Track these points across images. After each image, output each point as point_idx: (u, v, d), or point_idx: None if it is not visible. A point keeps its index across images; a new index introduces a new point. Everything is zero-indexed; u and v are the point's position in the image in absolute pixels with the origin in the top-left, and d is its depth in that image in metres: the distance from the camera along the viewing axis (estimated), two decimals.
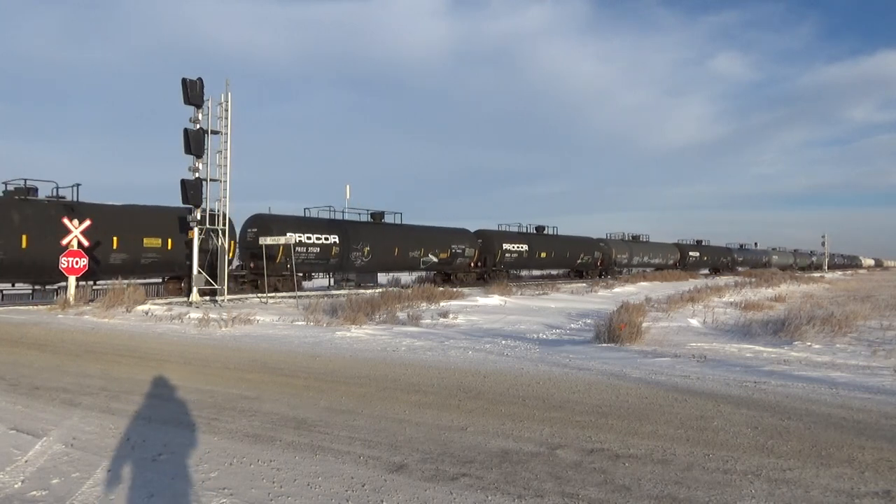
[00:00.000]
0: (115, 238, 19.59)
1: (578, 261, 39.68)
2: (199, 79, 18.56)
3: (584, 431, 5.35)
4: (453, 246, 30.39)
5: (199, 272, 19.12)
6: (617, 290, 27.85)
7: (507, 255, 33.50)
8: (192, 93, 18.43)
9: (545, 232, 37.94)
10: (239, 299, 20.50)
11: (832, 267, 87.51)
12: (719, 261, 58.16)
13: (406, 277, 31.73)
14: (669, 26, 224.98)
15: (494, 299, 20.67)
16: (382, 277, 29.85)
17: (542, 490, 4.01)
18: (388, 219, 28.51)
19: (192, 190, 18.64)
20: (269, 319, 14.63)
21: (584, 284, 32.00)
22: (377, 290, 22.40)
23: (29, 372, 8.15)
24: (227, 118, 19.36)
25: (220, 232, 19.77)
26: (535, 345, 10.93)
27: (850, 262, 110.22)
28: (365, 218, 27.65)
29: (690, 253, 53.48)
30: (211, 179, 19.27)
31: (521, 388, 7.16)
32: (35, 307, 17.46)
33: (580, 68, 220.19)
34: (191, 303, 18.54)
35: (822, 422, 5.63)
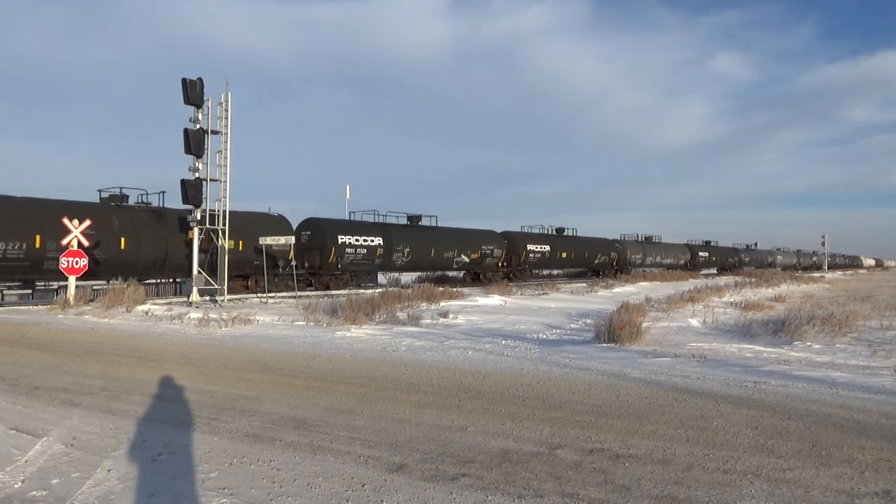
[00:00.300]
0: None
1: (596, 261, 41.53)
2: (199, 79, 18.57)
3: (584, 431, 5.35)
4: (483, 247, 32.53)
5: (200, 272, 19.13)
6: (617, 290, 27.85)
7: (531, 255, 35.62)
8: (192, 93, 18.44)
9: (565, 233, 40.19)
10: (239, 299, 20.52)
11: (834, 267, 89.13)
12: (727, 261, 59.57)
13: (406, 278, 32.67)
14: (669, 26, 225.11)
15: (494, 299, 20.67)
16: (381, 277, 30.66)
17: (542, 490, 4.01)
18: (424, 222, 30.53)
19: (192, 190, 18.65)
20: (269, 319, 14.63)
21: (584, 284, 32.09)
22: (377, 290, 22.42)
23: (29, 372, 8.15)
24: (227, 118, 19.36)
25: (220, 232, 19.78)
26: (535, 345, 10.93)
27: (852, 263, 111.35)
28: (403, 221, 29.73)
29: (700, 253, 55.29)
30: (211, 179, 19.28)
31: (521, 388, 7.16)
32: (35, 307, 17.47)
33: (580, 68, 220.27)
34: (191, 303, 18.54)
35: (822, 422, 5.63)
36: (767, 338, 11.71)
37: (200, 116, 18.74)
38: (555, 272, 41.88)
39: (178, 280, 22.72)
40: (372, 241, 26.49)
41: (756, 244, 72.63)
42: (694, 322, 14.76)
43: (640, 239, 48.35)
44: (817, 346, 10.64)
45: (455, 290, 24.11)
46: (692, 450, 4.82)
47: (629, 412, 6.02)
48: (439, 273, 33.40)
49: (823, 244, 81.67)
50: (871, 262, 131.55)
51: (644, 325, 11.92)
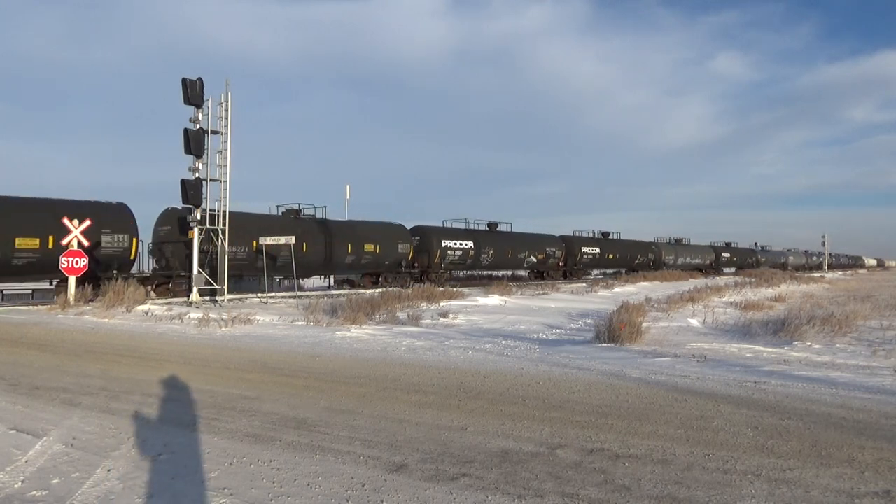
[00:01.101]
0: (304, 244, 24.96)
1: (636, 261, 46.70)
2: (199, 79, 18.58)
3: (584, 431, 5.35)
4: (547, 249, 37.99)
5: (200, 272, 19.13)
6: (617, 290, 27.86)
7: (584, 256, 41.26)
8: (192, 93, 18.44)
9: (610, 237, 45.72)
10: (239, 299, 20.52)
11: (837, 267, 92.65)
12: (745, 261, 64.44)
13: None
14: (669, 26, 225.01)
15: (494, 299, 20.68)
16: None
17: (542, 490, 4.01)
18: (501, 228, 36.12)
19: (192, 190, 18.66)
20: (269, 319, 14.64)
21: (585, 284, 32.22)
22: (377, 290, 22.47)
23: (29, 372, 8.15)
24: (227, 118, 19.37)
25: (220, 232, 19.78)
26: (535, 345, 10.93)
27: (855, 263, 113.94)
28: (483, 227, 35.21)
29: (723, 254, 61.73)
30: (211, 179, 19.29)
31: (521, 388, 7.16)
32: (35, 307, 17.47)
33: (580, 68, 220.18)
34: (191, 303, 18.54)
35: (822, 422, 5.63)
36: (767, 338, 11.71)
37: (200, 116, 18.75)
38: (606, 271, 46.64)
39: (338, 277, 29.47)
40: (465, 244, 32.44)
41: (756, 244, 74.83)
42: (694, 322, 14.77)
43: (671, 241, 54.32)
44: (817, 346, 10.64)
45: (455, 290, 24.14)
46: (692, 450, 4.82)
47: (629, 412, 6.02)
48: (509, 272, 38.44)
49: (823, 244, 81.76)
50: (874, 262, 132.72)
51: (644, 325, 11.92)
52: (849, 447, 4.86)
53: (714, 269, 56.22)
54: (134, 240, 20.65)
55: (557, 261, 38.65)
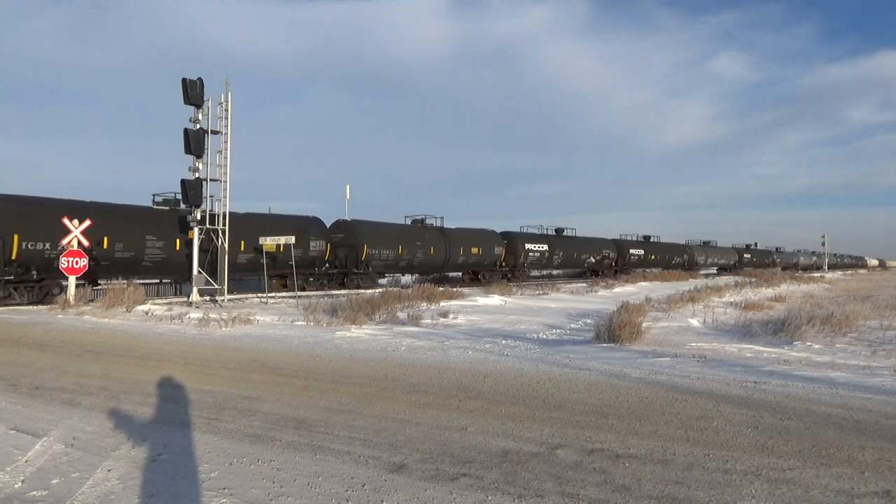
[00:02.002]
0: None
1: (673, 261, 52.59)
2: (199, 79, 18.57)
3: (584, 431, 5.35)
4: (602, 251, 43.66)
5: (200, 272, 19.13)
6: (617, 290, 27.86)
7: (632, 257, 47.32)
8: (192, 93, 18.43)
9: (651, 240, 51.80)
10: (239, 299, 20.52)
11: (842, 267, 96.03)
12: (763, 261, 69.36)
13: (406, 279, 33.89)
14: (670, 27, 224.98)
15: (494, 299, 20.68)
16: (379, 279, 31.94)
17: (542, 490, 4.01)
18: (567, 233, 41.87)
19: (192, 190, 18.65)
20: (270, 319, 14.63)
21: (585, 284, 32.26)
22: (377, 291, 22.46)
23: (29, 372, 8.15)
24: (227, 118, 19.36)
25: (220, 232, 19.78)
26: (535, 345, 10.93)
27: (858, 263, 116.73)
28: (551, 232, 40.88)
29: (744, 255, 67.61)
30: (211, 179, 19.28)
31: (521, 388, 7.16)
32: (35, 307, 17.47)
33: (581, 69, 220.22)
34: (191, 303, 18.54)
35: (822, 422, 5.63)
36: (767, 338, 11.71)
37: (200, 116, 18.74)
38: (650, 270, 50.19)
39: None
40: (542, 247, 37.99)
41: (756, 244, 75.54)
42: (694, 322, 14.76)
43: (700, 243, 60.56)
44: (817, 346, 10.64)
45: (455, 290, 24.13)
46: (692, 450, 4.82)
47: (629, 412, 6.02)
48: (572, 270, 43.95)
49: (823, 244, 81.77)
50: (875, 262, 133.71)
51: (644, 325, 11.91)
52: (849, 447, 4.86)
53: (736, 269, 60.52)
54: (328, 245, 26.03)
55: (611, 261, 44.42)
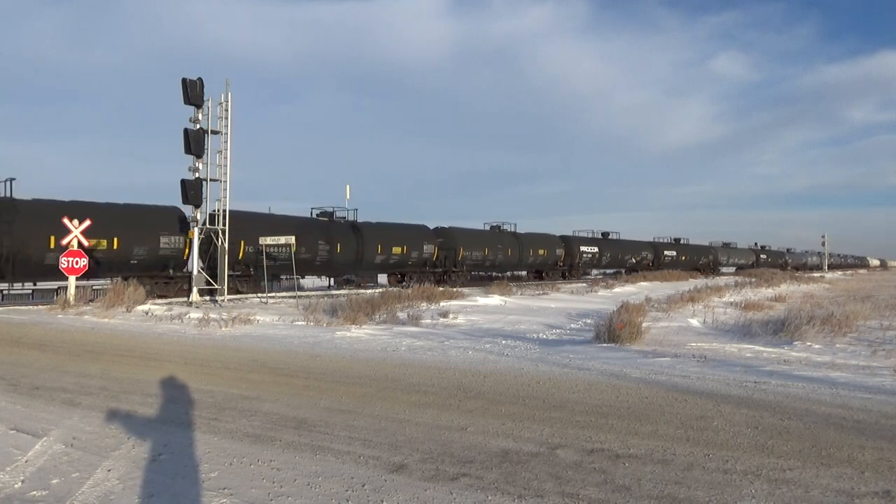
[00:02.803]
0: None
1: (700, 262, 56.81)
2: (199, 79, 18.58)
3: (584, 431, 5.35)
4: (642, 252, 49.60)
5: (200, 272, 19.13)
6: (617, 290, 27.86)
7: (666, 258, 51.85)
8: (192, 93, 18.44)
9: (681, 242, 56.60)
10: (239, 299, 20.53)
11: (845, 267, 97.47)
12: (777, 262, 72.35)
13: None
14: (670, 27, 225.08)
15: (494, 299, 20.68)
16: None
17: (542, 490, 4.01)
18: (612, 236, 46.99)
19: (192, 190, 18.65)
20: (270, 319, 14.63)
21: (585, 284, 32.35)
22: (377, 290, 22.47)
23: (29, 372, 8.15)
24: (227, 118, 19.36)
25: (220, 232, 19.78)
26: (535, 345, 10.93)
27: (861, 263, 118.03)
28: (598, 235, 45.90)
29: (761, 255, 71.68)
30: (211, 179, 19.28)
31: (521, 388, 7.16)
32: (35, 307, 17.47)
33: (581, 69, 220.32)
34: (191, 303, 18.54)
35: (822, 422, 5.63)
36: (767, 338, 11.71)
37: (200, 116, 18.75)
38: (677, 270, 53.91)
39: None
40: (593, 249, 42.86)
41: (731, 242, 76.22)
42: (694, 322, 14.76)
43: (721, 245, 65.17)
44: (817, 346, 10.64)
45: (455, 290, 24.13)
46: (692, 450, 4.82)
47: (629, 412, 6.02)
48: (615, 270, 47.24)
49: (823, 244, 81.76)
50: (877, 262, 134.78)
51: (644, 325, 11.91)
52: (849, 447, 4.86)
53: (755, 267, 64.00)
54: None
55: (648, 262, 49.74)
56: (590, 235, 45.13)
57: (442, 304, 18.83)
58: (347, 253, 26.23)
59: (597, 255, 43.24)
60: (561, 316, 16.47)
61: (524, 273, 39.84)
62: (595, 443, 5.01)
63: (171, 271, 22.73)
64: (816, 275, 56.73)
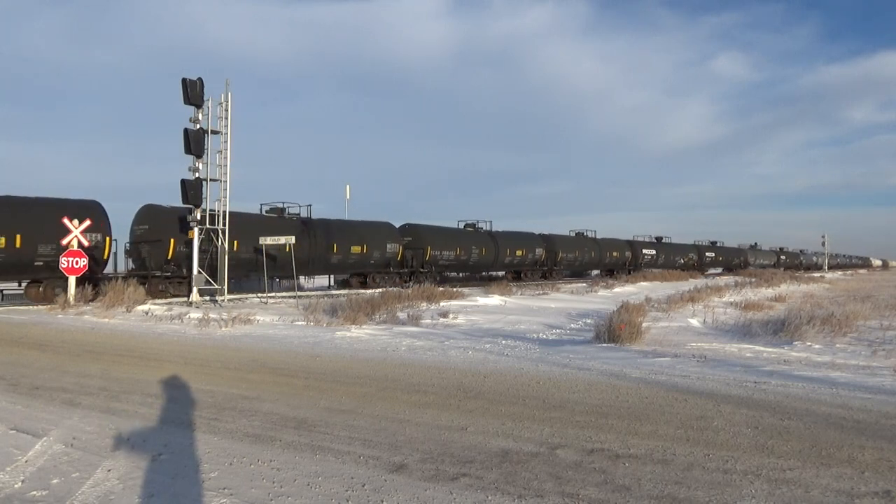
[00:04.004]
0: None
1: (733, 262, 63.27)
2: (199, 79, 18.57)
3: (584, 431, 5.35)
4: (689, 254, 56.05)
5: (200, 272, 19.13)
6: (617, 290, 27.86)
7: (707, 259, 59.03)
8: (192, 93, 18.43)
9: (716, 244, 63.36)
10: (239, 299, 20.52)
11: (847, 267, 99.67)
12: (791, 263, 77.89)
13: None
14: (670, 27, 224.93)
15: (494, 299, 20.67)
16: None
17: (542, 490, 4.01)
18: (665, 240, 53.61)
19: (192, 190, 18.65)
20: (270, 319, 14.63)
21: (585, 284, 32.28)
22: (377, 290, 22.45)
23: (29, 372, 8.15)
24: (227, 118, 19.37)
25: (220, 232, 19.78)
26: (535, 345, 10.93)
27: (864, 263, 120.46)
28: (650, 239, 51.86)
29: (781, 256, 78.35)
30: (211, 179, 19.28)
31: (521, 388, 7.16)
32: (35, 307, 17.47)
33: (581, 69, 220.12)
34: (191, 303, 18.54)
35: (822, 422, 5.63)
36: (767, 338, 11.71)
37: (200, 116, 18.74)
38: (710, 270, 59.34)
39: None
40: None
41: (756, 244, 76.29)
42: (694, 322, 14.76)
43: (745, 246, 72.26)
44: (817, 346, 10.63)
45: (455, 290, 24.12)
46: (692, 450, 4.82)
47: (629, 412, 6.02)
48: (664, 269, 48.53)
49: (823, 244, 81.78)
50: (879, 262, 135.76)
51: (644, 325, 11.91)
52: (849, 447, 4.86)
53: (776, 267, 68.54)
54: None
55: (693, 261, 55.51)
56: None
57: (442, 304, 18.83)
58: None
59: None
60: (561, 316, 16.46)
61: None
62: (595, 443, 5.02)
63: (390, 268, 27.05)
64: (816, 275, 56.76)
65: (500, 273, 37.35)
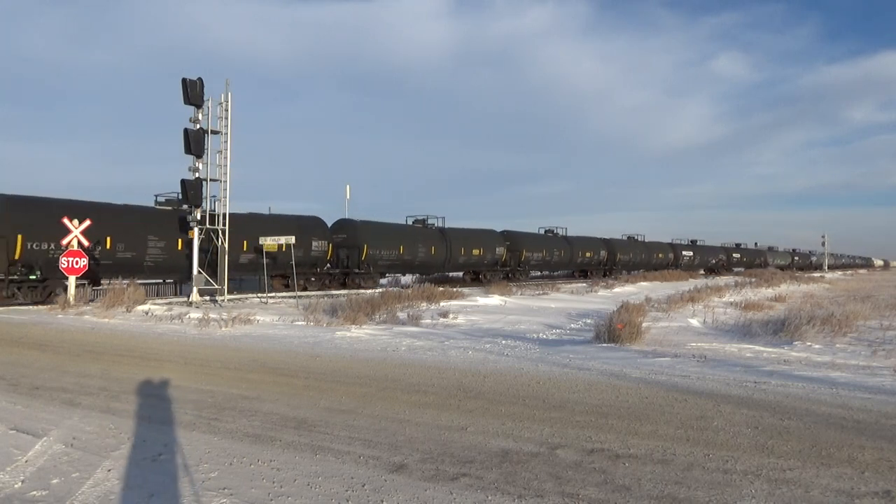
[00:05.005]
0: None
1: (754, 262, 66.54)
2: (199, 79, 18.56)
3: (584, 431, 5.35)
4: (720, 256, 61.12)
5: (200, 272, 19.12)
6: (617, 290, 27.85)
7: (733, 260, 63.31)
8: (192, 93, 18.42)
9: (742, 247, 69.36)
10: (239, 299, 20.51)
11: (849, 267, 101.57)
12: (805, 263, 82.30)
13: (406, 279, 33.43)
14: (671, 27, 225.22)
15: (494, 299, 20.67)
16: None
17: (542, 490, 4.01)
18: (700, 242, 59.39)
19: (192, 190, 18.64)
20: (270, 319, 14.63)
21: (585, 284, 32.27)
22: (377, 290, 22.44)
23: (29, 372, 8.15)
24: (227, 118, 19.35)
25: (220, 232, 19.77)
26: (535, 345, 10.92)
27: (867, 263, 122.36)
28: (687, 242, 57.25)
29: (795, 258, 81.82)
30: (211, 179, 19.27)
31: (521, 388, 7.16)
32: (35, 307, 17.46)
33: (581, 69, 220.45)
34: (191, 303, 18.54)
35: (822, 422, 5.63)
36: (767, 338, 11.71)
37: (200, 116, 18.73)
38: (736, 269, 60.81)
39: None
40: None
41: (756, 244, 76.94)
42: (694, 322, 14.76)
43: (765, 248, 75.94)
44: (817, 346, 10.63)
45: (455, 290, 24.10)
46: (692, 450, 4.82)
47: (629, 412, 6.02)
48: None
49: (823, 244, 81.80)
50: (881, 262, 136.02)
51: (644, 325, 11.91)
52: (849, 447, 4.86)
53: (790, 268, 71.63)
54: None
55: (723, 262, 58.52)
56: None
57: (442, 304, 18.83)
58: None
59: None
60: (561, 316, 16.46)
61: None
62: (595, 443, 5.01)
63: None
64: (816, 275, 56.76)
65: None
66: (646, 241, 49.65)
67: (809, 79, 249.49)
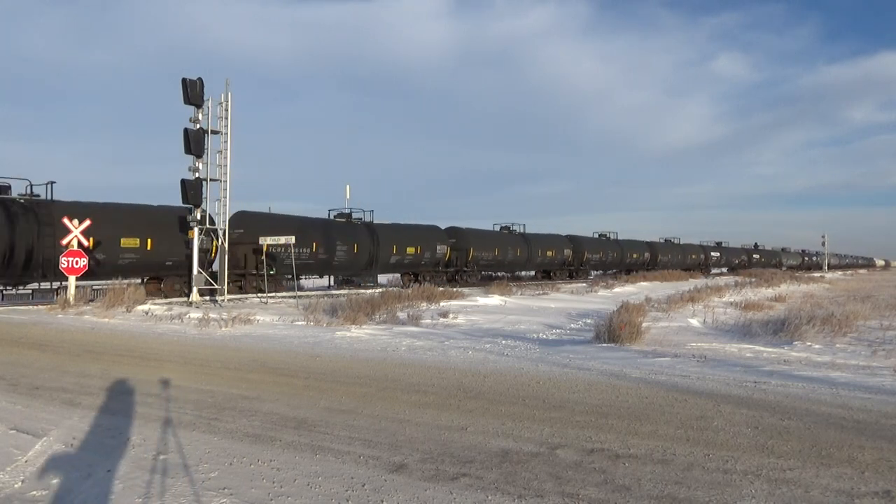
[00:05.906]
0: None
1: (770, 263, 67.50)
2: (199, 79, 18.55)
3: (584, 431, 5.35)
4: (742, 256, 63.01)
5: (199, 272, 19.12)
6: (617, 290, 27.85)
7: (753, 260, 64.34)
8: (192, 93, 18.41)
9: (761, 248, 71.27)
10: (239, 299, 20.52)
11: (851, 267, 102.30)
12: (812, 263, 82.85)
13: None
14: (671, 27, 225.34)
15: (494, 299, 20.67)
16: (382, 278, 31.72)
17: (542, 490, 4.01)
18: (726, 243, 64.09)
19: (192, 190, 18.63)
20: (270, 319, 14.63)
21: (585, 284, 32.34)
22: (377, 290, 22.45)
23: (29, 372, 8.15)
24: (227, 118, 19.35)
25: (220, 232, 19.77)
26: (535, 345, 10.92)
27: (868, 263, 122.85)
28: (713, 244, 60.75)
29: (805, 258, 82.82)
30: (211, 179, 19.26)
31: (521, 388, 7.16)
32: (35, 307, 17.46)
33: (581, 69, 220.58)
34: (191, 303, 18.54)
35: (822, 422, 5.63)
36: (767, 338, 11.71)
37: (200, 116, 18.72)
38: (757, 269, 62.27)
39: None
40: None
41: (756, 244, 76.34)
42: (694, 322, 14.76)
43: (778, 249, 77.69)
44: (817, 346, 10.63)
45: (455, 290, 24.11)
46: (692, 450, 4.82)
47: (629, 412, 6.02)
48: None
49: (823, 244, 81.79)
50: (882, 262, 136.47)
51: (644, 325, 11.91)
52: (849, 447, 4.86)
53: (801, 268, 72.94)
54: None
55: (744, 262, 62.52)
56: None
57: (442, 304, 18.82)
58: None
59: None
60: (561, 316, 16.46)
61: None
62: (595, 443, 5.02)
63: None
64: (816, 275, 56.79)
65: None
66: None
67: (809, 79, 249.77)
